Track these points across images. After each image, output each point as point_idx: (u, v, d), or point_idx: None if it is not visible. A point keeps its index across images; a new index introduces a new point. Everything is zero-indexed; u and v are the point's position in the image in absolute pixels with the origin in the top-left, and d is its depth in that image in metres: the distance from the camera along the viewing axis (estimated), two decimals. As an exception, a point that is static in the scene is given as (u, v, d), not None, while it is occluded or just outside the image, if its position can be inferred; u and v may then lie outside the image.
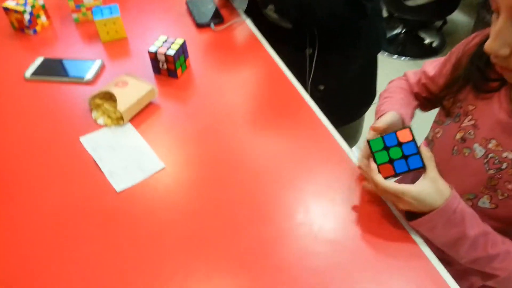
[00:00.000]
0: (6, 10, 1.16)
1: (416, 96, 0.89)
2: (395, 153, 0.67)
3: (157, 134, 0.89)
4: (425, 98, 0.89)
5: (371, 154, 0.68)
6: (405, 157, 0.66)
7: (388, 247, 0.67)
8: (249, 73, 1.05)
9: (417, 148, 0.65)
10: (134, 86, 0.92)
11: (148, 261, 0.67)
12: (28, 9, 1.16)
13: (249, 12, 1.29)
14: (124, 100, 0.89)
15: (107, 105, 0.91)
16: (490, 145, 0.68)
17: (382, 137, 0.67)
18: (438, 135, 0.80)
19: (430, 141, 0.83)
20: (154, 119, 0.92)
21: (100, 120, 0.91)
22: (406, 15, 2.55)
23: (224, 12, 1.26)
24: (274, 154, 0.84)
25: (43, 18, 1.21)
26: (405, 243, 0.68)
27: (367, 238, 0.68)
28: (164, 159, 0.83)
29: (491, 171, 0.68)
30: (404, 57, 2.72)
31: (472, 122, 0.72)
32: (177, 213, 0.74)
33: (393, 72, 2.53)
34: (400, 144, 0.67)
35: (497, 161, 0.68)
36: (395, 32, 2.85)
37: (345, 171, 0.79)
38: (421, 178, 0.65)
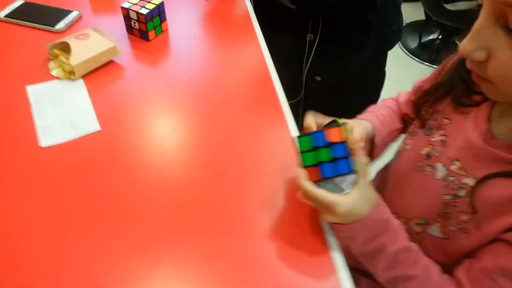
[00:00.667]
0: None
1: (405, 117, 0.78)
2: (324, 155, 0.56)
3: (107, 95, 0.82)
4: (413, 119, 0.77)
5: (299, 154, 0.57)
6: (334, 160, 0.55)
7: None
8: (229, 53, 0.96)
9: (348, 150, 0.55)
10: (95, 41, 0.86)
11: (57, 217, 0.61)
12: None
13: None
14: (79, 54, 0.82)
15: (63, 57, 0.85)
16: (453, 167, 0.58)
17: (311, 135, 0.57)
18: (408, 147, 0.69)
19: (398, 153, 0.73)
20: (110, 80, 0.86)
21: (54, 72, 0.85)
22: (445, 20, 2.37)
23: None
24: (230, 138, 0.75)
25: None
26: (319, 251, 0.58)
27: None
28: (104, 122, 0.76)
29: (448, 197, 0.58)
30: (436, 66, 2.54)
31: (442, 138, 0.62)
32: (99, 181, 0.67)
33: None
34: (329, 145, 0.55)
35: (456, 186, 0.57)
36: (431, 37, 2.66)
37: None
38: (354, 188, 0.55)
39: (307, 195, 0.56)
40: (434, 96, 0.66)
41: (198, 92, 0.84)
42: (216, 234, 0.61)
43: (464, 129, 0.58)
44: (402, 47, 2.52)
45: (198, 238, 0.60)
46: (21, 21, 0.98)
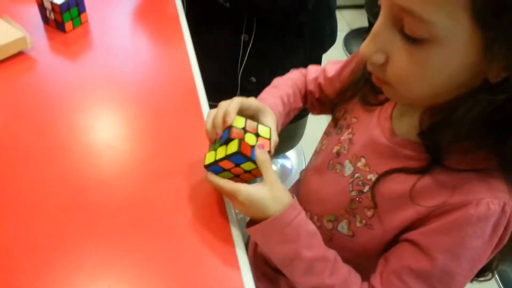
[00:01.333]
0: None
1: (309, 94, 0.78)
2: (222, 150, 0.55)
3: (11, 90, 0.76)
4: (318, 100, 0.77)
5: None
6: (229, 156, 0.54)
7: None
8: (154, 49, 0.92)
9: (249, 154, 0.54)
10: (2, 30, 0.79)
11: None
12: None
13: None
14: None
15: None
16: (359, 164, 0.59)
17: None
18: (323, 147, 0.69)
19: (315, 153, 0.72)
20: (17, 72, 0.79)
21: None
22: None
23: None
24: (148, 138, 0.71)
25: None
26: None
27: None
28: (4, 119, 0.70)
29: (354, 193, 0.58)
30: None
31: (350, 136, 0.62)
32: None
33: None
34: (228, 141, 0.55)
35: (361, 182, 0.58)
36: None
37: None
38: (260, 183, 0.54)
39: (213, 185, 0.57)
40: (345, 95, 0.66)
41: (117, 89, 0.79)
42: (124, 234, 0.57)
43: (368, 127, 0.59)
44: (347, 51, 2.57)
45: (102, 238, 0.56)
46: None
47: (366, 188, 0.56)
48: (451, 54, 0.40)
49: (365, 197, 0.56)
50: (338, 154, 0.63)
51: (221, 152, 0.55)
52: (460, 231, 0.47)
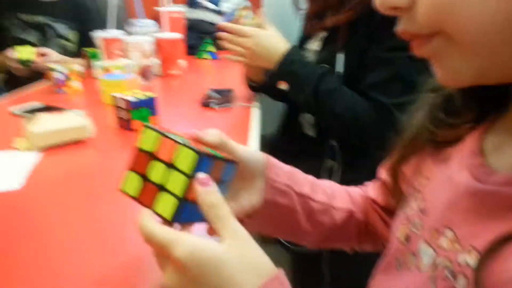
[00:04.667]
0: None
1: (368, 206, 0.55)
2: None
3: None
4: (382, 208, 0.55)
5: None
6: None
7: None
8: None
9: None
10: (66, 116, 0.81)
11: None
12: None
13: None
14: (43, 123, 0.76)
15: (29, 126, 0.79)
16: (442, 242, 0.34)
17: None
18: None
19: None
20: (70, 155, 0.76)
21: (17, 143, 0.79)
22: None
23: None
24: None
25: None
26: None
27: None
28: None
29: None
30: None
31: (421, 205, 0.39)
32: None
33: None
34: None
35: (448, 272, 0.32)
36: None
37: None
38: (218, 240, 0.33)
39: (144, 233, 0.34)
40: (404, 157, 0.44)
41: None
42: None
43: (448, 178, 0.36)
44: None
45: None
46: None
47: (460, 281, 0.30)
48: None
49: None
50: (407, 239, 0.39)
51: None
52: None
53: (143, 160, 0.37)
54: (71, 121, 0.80)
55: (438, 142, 0.39)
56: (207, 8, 2.01)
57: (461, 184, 0.33)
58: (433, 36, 0.29)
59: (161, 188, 0.36)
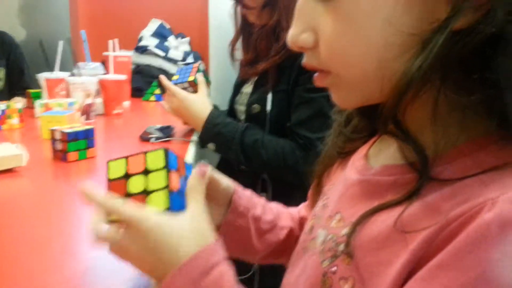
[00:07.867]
0: None
1: (302, 221, 0.60)
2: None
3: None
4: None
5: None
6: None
7: None
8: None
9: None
10: (5, 147, 0.83)
11: None
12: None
13: None
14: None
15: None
16: (333, 223, 0.42)
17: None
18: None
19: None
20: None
21: None
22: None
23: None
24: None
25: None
26: None
27: None
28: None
29: (325, 263, 0.39)
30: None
31: (324, 202, 0.47)
32: None
33: None
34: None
35: (333, 243, 0.39)
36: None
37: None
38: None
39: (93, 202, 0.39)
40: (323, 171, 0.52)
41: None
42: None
43: (344, 179, 0.45)
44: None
45: None
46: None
47: (341, 247, 0.38)
48: None
49: (341, 261, 0.38)
50: (311, 229, 0.46)
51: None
52: (478, 254, 0.27)
53: (119, 185, 0.41)
54: (5, 150, 0.81)
55: (345, 153, 0.48)
56: (156, 54, 2.10)
57: (350, 179, 0.42)
58: (329, 72, 0.37)
59: (147, 192, 0.40)
